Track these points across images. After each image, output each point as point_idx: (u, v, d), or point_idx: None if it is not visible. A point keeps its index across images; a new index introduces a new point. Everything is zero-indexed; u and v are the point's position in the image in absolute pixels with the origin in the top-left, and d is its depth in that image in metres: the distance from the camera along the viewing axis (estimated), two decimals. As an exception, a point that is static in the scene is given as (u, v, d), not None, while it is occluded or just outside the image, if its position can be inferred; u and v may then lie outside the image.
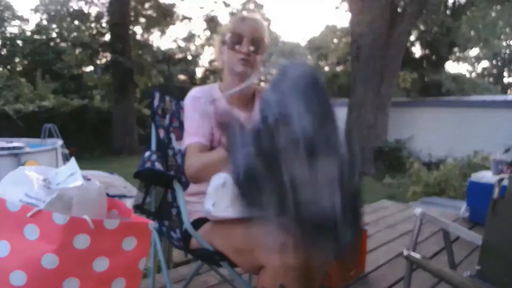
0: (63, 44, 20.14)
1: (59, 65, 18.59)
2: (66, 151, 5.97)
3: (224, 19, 16.18)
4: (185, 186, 1.38)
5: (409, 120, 11.21)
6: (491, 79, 28.80)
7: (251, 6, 20.01)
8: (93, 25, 18.51)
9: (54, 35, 21.31)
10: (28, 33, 21.61)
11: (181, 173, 1.50)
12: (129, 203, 1.13)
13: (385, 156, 10.30)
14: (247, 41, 1.39)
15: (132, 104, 13.55)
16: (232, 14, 14.85)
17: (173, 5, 15.74)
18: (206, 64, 20.18)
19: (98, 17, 18.54)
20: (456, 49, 18.03)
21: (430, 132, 10.69)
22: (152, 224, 1.01)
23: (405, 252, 1.61)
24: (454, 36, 15.89)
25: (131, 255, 0.96)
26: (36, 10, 23.22)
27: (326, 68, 21.25)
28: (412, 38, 16.01)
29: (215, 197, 1.15)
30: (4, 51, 20.31)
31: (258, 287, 1.05)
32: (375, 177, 8.34)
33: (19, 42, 20.44)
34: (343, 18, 38.50)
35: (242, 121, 1.37)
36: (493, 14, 15.55)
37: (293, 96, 0.89)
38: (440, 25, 15.27)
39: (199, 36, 17.76)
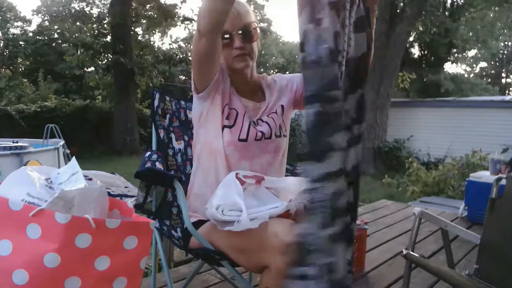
0: (64, 45, 20.21)
1: (61, 66, 18.67)
2: (68, 151, 5.99)
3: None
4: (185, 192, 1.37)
5: (408, 120, 11.22)
6: (489, 80, 28.81)
7: (252, 7, 19.98)
8: (94, 26, 18.55)
9: (56, 36, 21.38)
10: (30, 34, 21.68)
11: (181, 172, 1.51)
12: (130, 203, 1.14)
13: (384, 156, 10.33)
14: (235, 34, 1.31)
15: (133, 104, 13.57)
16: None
17: (174, 6, 15.75)
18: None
19: (100, 18, 18.57)
20: (454, 49, 18.04)
21: (429, 132, 10.70)
22: (153, 223, 1.02)
23: (404, 251, 1.62)
24: (452, 37, 15.91)
25: (132, 254, 0.98)
26: (37, 11, 23.29)
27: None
28: (411, 39, 16.03)
29: (220, 201, 1.16)
30: (6, 52, 20.36)
31: (262, 287, 1.06)
32: (375, 177, 8.36)
33: (22, 43, 20.49)
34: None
35: (251, 110, 1.38)
36: (491, 15, 15.57)
37: None
38: (439, 26, 15.28)
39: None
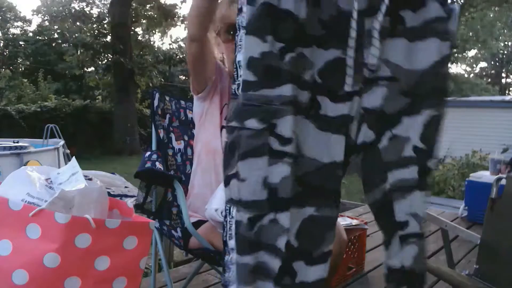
0: (64, 45, 20.23)
1: (61, 66, 18.67)
2: (68, 151, 6.00)
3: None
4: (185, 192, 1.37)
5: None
6: (489, 80, 28.84)
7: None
8: (94, 26, 18.57)
9: (56, 36, 21.40)
10: (30, 34, 21.70)
11: (181, 172, 1.51)
12: (130, 203, 1.14)
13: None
14: None
15: (133, 104, 13.59)
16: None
17: (174, 6, 15.76)
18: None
19: (100, 18, 18.59)
20: (454, 49, 18.02)
21: (429, 132, 10.69)
22: (153, 223, 1.03)
23: (404, 252, 1.62)
24: (452, 36, 15.88)
25: (132, 254, 0.98)
26: (37, 11, 23.31)
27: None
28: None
29: (219, 204, 1.15)
30: (6, 52, 20.38)
31: None
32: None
33: (22, 43, 20.51)
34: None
35: None
36: (491, 15, 15.59)
37: None
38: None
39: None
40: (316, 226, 0.69)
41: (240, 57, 0.67)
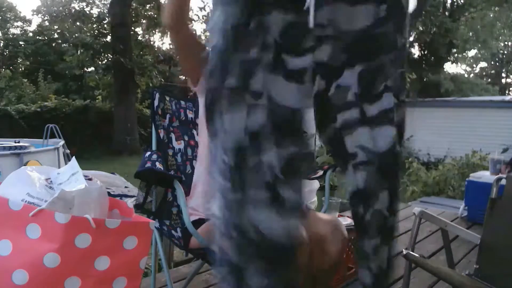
0: (64, 45, 20.23)
1: (61, 66, 18.67)
2: (68, 151, 6.00)
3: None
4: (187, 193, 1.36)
5: (408, 120, 11.19)
6: (489, 80, 28.85)
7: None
8: (94, 26, 18.57)
9: (56, 36, 21.40)
10: (30, 34, 21.69)
11: (181, 172, 1.51)
12: (130, 203, 1.14)
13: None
14: None
15: (133, 104, 13.58)
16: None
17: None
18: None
19: (100, 18, 18.59)
20: (454, 49, 18.04)
21: (429, 132, 10.68)
22: (153, 223, 1.03)
23: (404, 251, 1.62)
24: (452, 37, 15.91)
25: (132, 254, 0.98)
26: (37, 11, 23.30)
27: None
28: (410, 38, 16.03)
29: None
30: (6, 52, 20.37)
31: None
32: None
33: (22, 43, 20.50)
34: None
35: None
36: (491, 15, 15.60)
37: None
38: (439, 26, 15.30)
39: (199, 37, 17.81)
40: (297, 160, 0.79)
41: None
